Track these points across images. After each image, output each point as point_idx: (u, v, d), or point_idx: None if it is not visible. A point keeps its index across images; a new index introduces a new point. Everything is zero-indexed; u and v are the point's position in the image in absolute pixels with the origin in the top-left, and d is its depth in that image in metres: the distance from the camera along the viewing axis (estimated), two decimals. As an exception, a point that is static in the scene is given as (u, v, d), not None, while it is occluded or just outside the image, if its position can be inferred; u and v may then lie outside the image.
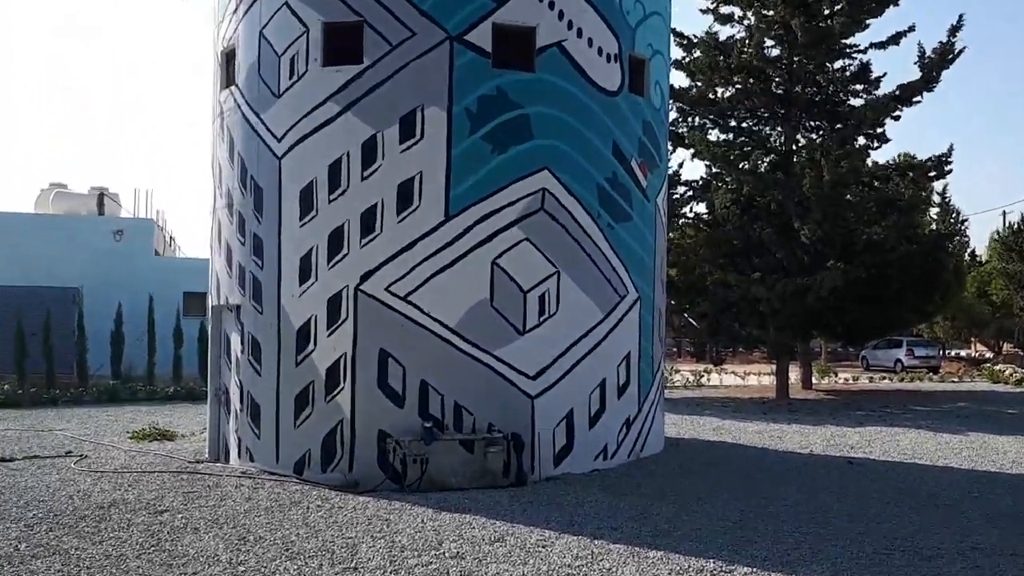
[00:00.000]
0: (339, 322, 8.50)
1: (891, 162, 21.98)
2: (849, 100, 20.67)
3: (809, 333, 20.85)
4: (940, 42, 19.14)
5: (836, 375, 27.22)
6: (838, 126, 20.16)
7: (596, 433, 9.15)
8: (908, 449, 11.19)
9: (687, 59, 20.29)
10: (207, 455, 9.88)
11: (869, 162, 20.68)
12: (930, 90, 19.28)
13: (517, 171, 8.63)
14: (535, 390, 8.64)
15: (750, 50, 19.51)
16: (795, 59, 19.84)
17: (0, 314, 20.16)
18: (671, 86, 16.73)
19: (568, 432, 8.88)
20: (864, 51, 20.22)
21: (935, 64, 19.00)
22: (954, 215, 38.25)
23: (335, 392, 8.49)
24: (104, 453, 10.14)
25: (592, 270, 9.12)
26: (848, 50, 20.07)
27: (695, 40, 20.08)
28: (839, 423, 14.23)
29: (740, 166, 19.76)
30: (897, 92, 19.26)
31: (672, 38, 13.05)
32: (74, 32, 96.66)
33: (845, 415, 15.73)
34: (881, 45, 19.89)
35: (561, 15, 8.90)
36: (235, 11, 9.55)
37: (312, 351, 8.61)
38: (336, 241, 8.55)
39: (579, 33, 9.02)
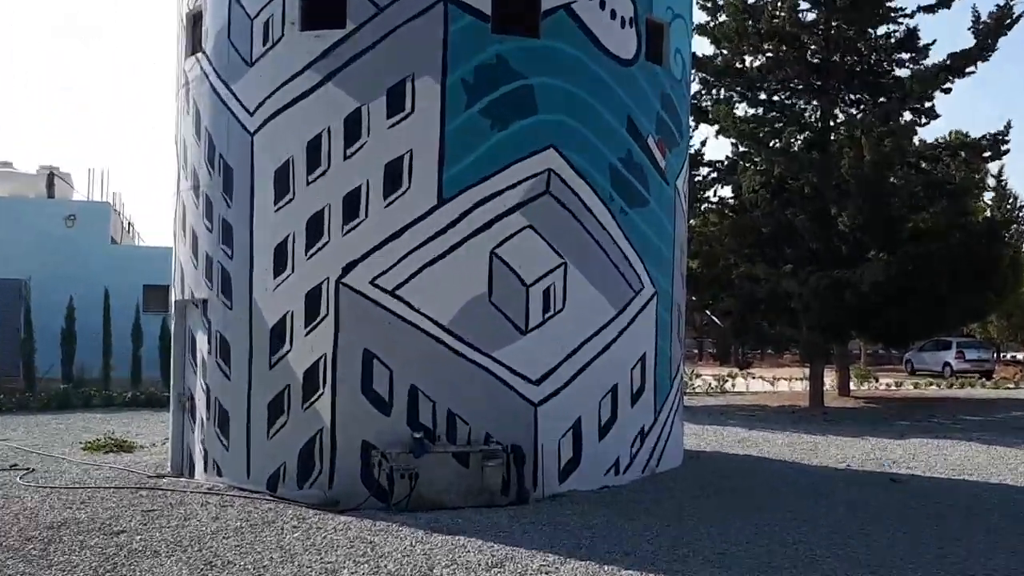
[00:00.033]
0: (318, 319, 8.49)
1: (940, 140, 21.95)
2: (894, 70, 20.65)
3: (846, 333, 20.85)
4: (997, 5, 19.13)
5: (877, 380, 27.29)
6: (881, 100, 20.14)
7: (606, 445, 9.15)
8: (957, 464, 11.19)
9: (711, 24, 20.26)
10: (169, 469, 9.88)
11: (915, 140, 20.67)
12: (985, 59, 19.27)
13: (519, 149, 8.60)
14: (538, 396, 8.64)
15: (783, 13, 19.49)
16: (833, 24, 19.80)
17: (-65, 309, 20.21)
18: (693, 54, 16.68)
19: (575, 444, 8.88)
20: (911, 15, 20.26)
21: (991, 30, 18.95)
22: (1011, 200, 38.27)
23: (313, 398, 8.49)
24: (54, 466, 10.15)
25: (603, 261, 9.11)
26: (893, 14, 20.05)
27: (721, 2, 20.03)
28: (880, 435, 14.23)
29: (770, 144, 19.75)
30: (948, 61, 19.23)
31: (695, 0, 13.00)
32: (74, 32, 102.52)
33: (887, 426, 15.73)
34: (930, 8, 19.86)
35: (569, -27, 8.88)
36: (201, -32, 9.53)
37: (288, 352, 8.61)
38: (315, 228, 8.53)
39: (590, -6, 8.99)
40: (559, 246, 8.76)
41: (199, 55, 9.58)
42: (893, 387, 26.57)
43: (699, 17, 20.08)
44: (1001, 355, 39.55)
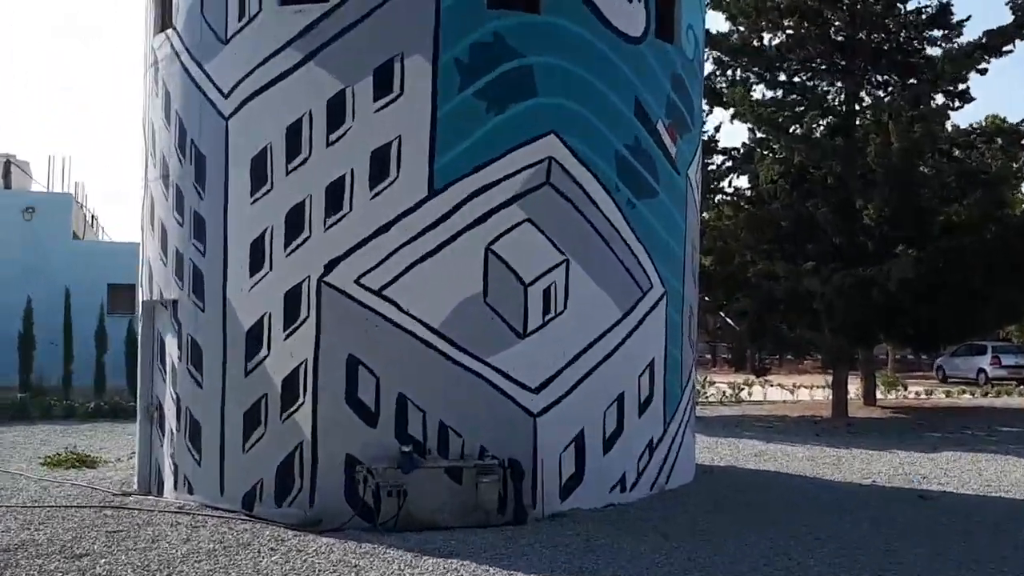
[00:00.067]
0: (298, 322, 8.47)
1: (975, 126, 22.02)
2: (924, 49, 20.67)
3: (873, 336, 20.85)
4: (1037, -22, 19.12)
5: (905, 388, 27.29)
6: (911, 81, 20.16)
7: (612, 459, 9.14)
8: (993, 480, 11.20)
9: (727, -2, 20.25)
10: (136, 486, 9.86)
11: (948, 126, 20.71)
12: (1024, 37, 19.27)
13: (517, 135, 8.59)
14: (538, 406, 8.63)
15: (804, -13, 19.48)
16: (859, -2, 19.80)
17: None
18: (707, 31, 16.70)
19: (578, 458, 8.87)
20: (943, -11, 20.19)
21: (1031, 6, 18.97)
22: (1051, 191, 38.26)
23: (293, 408, 8.47)
24: (10, 483, 10.12)
25: (608, 258, 9.10)
26: (924, -13, 20.06)
27: (737, -25, 20.03)
28: (908, 447, 14.24)
29: (790, 130, 19.77)
30: (983, 39, 19.25)
31: (708, -27, 13.00)
32: (74, 32, 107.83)
33: (916, 438, 15.74)
34: (964, -18, 19.85)
35: (572, -56, 8.86)
36: (170, -63, 9.51)
37: (265, 357, 8.59)
38: (295, 222, 8.52)
39: (594, -34, 8.99)
40: (560, 241, 8.75)
41: (169, 32, 9.56)
42: (923, 396, 26.59)
43: (714, -9, 20.09)
44: (1040, 360, 39.56)
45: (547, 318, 8.68)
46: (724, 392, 24.59)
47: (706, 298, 19.44)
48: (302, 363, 8.44)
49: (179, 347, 9.27)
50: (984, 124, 22.73)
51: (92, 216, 33.17)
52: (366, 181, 8.41)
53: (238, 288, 8.74)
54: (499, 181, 8.53)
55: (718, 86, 20.39)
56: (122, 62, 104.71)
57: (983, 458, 13.01)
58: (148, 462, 9.84)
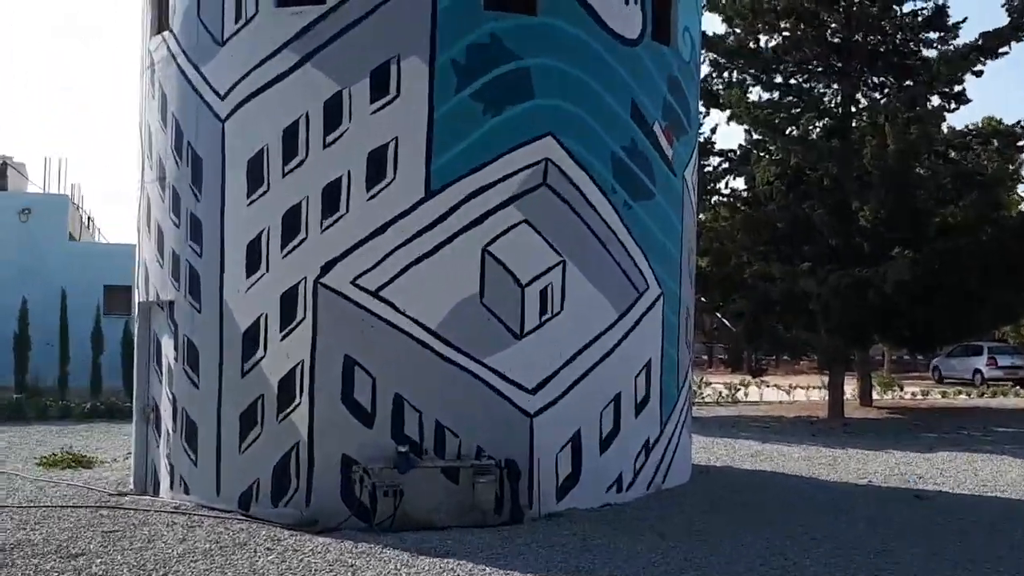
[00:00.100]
0: (295, 323, 8.48)
1: (971, 128, 22.05)
2: (921, 51, 20.70)
3: (869, 337, 20.91)
4: (1033, -20, 19.16)
5: (901, 389, 27.34)
6: (907, 83, 20.18)
7: (608, 459, 9.16)
8: (989, 480, 11.23)
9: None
10: (132, 486, 9.86)
11: (944, 127, 20.72)
12: (1020, 39, 19.31)
13: (514, 137, 8.61)
14: (534, 406, 8.64)
15: (800, -12, 19.51)
16: (855, 0, 19.82)
17: None
18: (703, 33, 16.73)
19: (574, 458, 8.89)
20: (939, -9, 20.21)
21: (1027, 7, 19.01)
22: (1048, 193, 38.31)
23: (289, 409, 8.48)
24: (6, 483, 10.12)
25: (605, 259, 9.12)
26: (920, -11, 20.10)
27: (733, -23, 20.07)
28: (904, 448, 14.27)
29: (787, 132, 19.78)
30: (979, 41, 19.29)
31: (704, -25, 13.02)
32: (74, 32, 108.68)
33: (912, 438, 15.77)
34: (960, -16, 19.87)
35: (568, -54, 8.88)
36: (167, -61, 9.52)
37: (261, 358, 8.60)
38: (292, 223, 8.52)
39: (591, -32, 9.01)
40: (557, 243, 8.76)
41: (165, 34, 9.56)
42: (919, 396, 26.62)
43: (709, -7, 20.12)
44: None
45: (544, 319, 8.70)
46: (720, 393, 24.61)
47: (702, 299, 19.46)
48: (298, 364, 8.45)
49: (175, 348, 9.27)
50: (980, 126, 22.78)
51: (88, 217, 33.14)
52: (363, 183, 8.41)
53: (235, 289, 8.75)
54: (496, 182, 8.54)
55: (714, 88, 20.41)
56: (122, 62, 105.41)
57: (979, 458, 13.04)
58: (144, 462, 9.84)
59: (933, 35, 20.55)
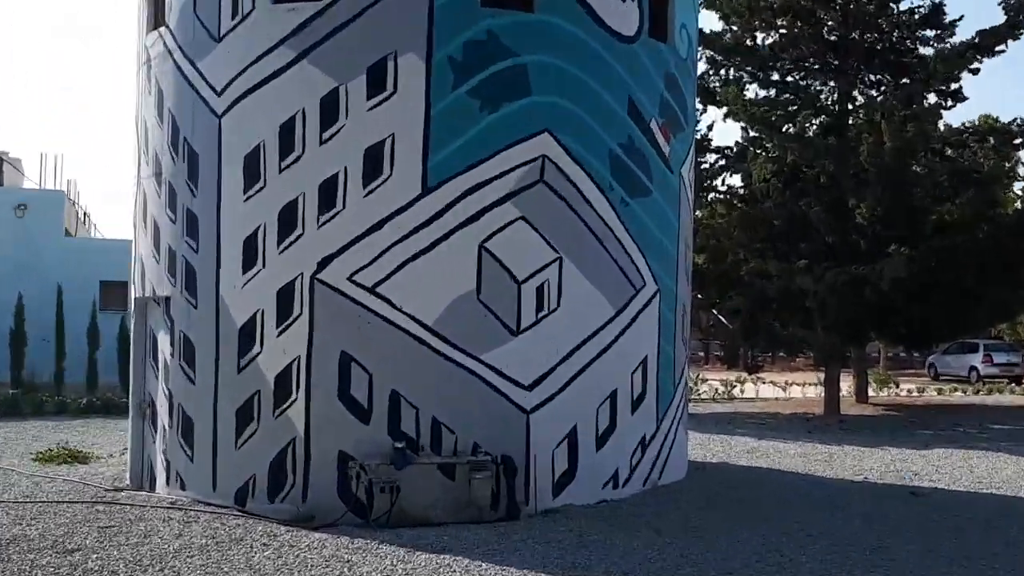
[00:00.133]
0: (291, 319, 8.48)
1: (968, 125, 22.07)
2: (917, 48, 20.73)
3: (865, 334, 20.95)
4: (1029, -22, 19.18)
5: (897, 386, 27.39)
6: (903, 81, 20.21)
7: (605, 456, 9.17)
8: (984, 476, 11.26)
9: (720, -3, 20.29)
10: (128, 482, 9.87)
11: (941, 125, 20.76)
12: (1016, 37, 19.35)
13: (511, 134, 8.61)
14: (531, 403, 8.65)
15: (797, -14, 19.52)
16: (852, -2, 19.85)
17: None
18: (700, 30, 16.72)
19: (570, 454, 8.89)
20: (937, -12, 20.23)
21: (1023, 5, 19.02)
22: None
23: (286, 405, 8.48)
24: (2, 479, 10.12)
25: (602, 256, 9.12)
26: (916, -13, 20.12)
27: (730, -27, 20.07)
28: (900, 444, 14.30)
29: (783, 129, 19.80)
30: (976, 39, 19.31)
31: (702, -28, 13.02)
32: (74, 32, 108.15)
33: (908, 435, 15.80)
34: (957, -18, 19.90)
35: (566, -58, 8.88)
36: (164, -66, 9.50)
37: (258, 354, 8.60)
38: (288, 219, 8.52)
39: (588, -35, 9.00)
40: (554, 239, 8.77)
41: (162, 30, 9.56)
42: (915, 393, 26.68)
43: (707, -10, 20.12)
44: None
45: (540, 315, 8.70)
46: (717, 389, 24.65)
47: (699, 296, 19.47)
48: (295, 360, 8.45)
49: (172, 344, 9.27)
50: (977, 123, 22.79)
51: (84, 213, 33.10)
52: (359, 179, 8.41)
53: (231, 285, 8.75)
54: (493, 179, 8.54)
55: (711, 85, 20.43)
56: (122, 62, 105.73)
57: (974, 455, 13.07)
58: (140, 458, 9.84)
59: (930, 33, 20.59)
